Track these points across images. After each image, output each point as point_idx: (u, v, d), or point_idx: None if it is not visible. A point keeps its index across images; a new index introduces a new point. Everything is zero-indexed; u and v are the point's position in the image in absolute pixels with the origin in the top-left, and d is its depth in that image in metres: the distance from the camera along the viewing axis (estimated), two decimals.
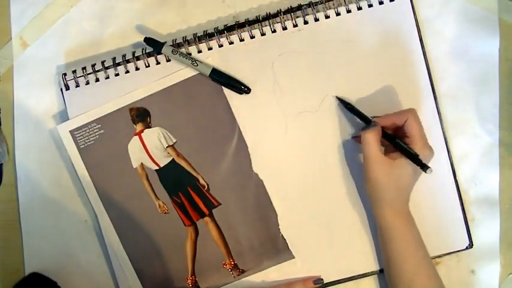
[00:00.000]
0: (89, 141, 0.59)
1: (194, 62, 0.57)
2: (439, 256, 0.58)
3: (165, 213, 0.59)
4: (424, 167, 0.51)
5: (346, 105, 0.57)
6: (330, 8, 0.58)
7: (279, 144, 0.59)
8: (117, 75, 0.59)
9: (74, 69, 0.59)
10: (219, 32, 0.58)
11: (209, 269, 0.59)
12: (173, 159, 0.59)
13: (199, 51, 0.59)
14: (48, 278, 0.60)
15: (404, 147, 0.53)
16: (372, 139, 0.52)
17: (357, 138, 0.58)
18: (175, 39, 0.59)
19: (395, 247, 0.54)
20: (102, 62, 0.59)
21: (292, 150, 0.59)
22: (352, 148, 0.58)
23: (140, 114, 0.59)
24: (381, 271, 0.58)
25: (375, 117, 0.55)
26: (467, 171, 0.59)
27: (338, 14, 0.58)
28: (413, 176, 0.53)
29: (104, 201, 0.59)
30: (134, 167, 0.59)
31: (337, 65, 0.58)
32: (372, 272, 0.58)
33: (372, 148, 0.52)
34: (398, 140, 0.53)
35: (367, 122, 0.55)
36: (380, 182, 0.53)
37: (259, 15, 0.58)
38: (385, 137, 0.54)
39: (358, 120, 0.56)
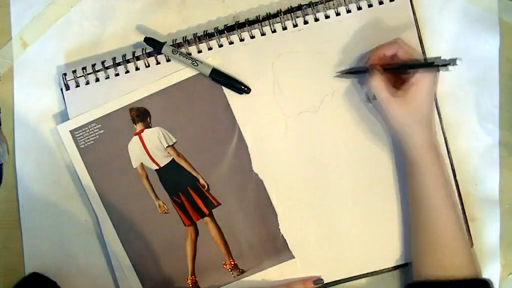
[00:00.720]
0: (89, 141, 0.59)
1: (194, 62, 0.57)
2: None
3: (165, 213, 0.59)
4: (451, 62, 0.51)
5: (349, 71, 0.57)
6: (330, 8, 0.58)
7: (279, 144, 0.59)
8: (117, 75, 0.59)
9: (74, 69, 0.59)
10: (219, 32, 0.58)
11: (209, 269, 0.59)
12: (173, 159, 0.59)
13: (199, 51, 0.59)
14: (48, 278, 0.60)
15: (417, 62, 0.53)
16: (378, 84, 0.53)
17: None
18: (175, 39, 0.59)
19: (420, 182, 0.53)
20: (102, 62, 0.59)
21: (292, 150, 0.58)
22: (352, 148, 0.58)
23: (140, 114, 0.59)
24: (381, 271, 0.58)
25: (368, 59, 0.56)
26: (467, 171, 0.59)
27: (338, 14, 0.58)
28: (430, 96, 0.54)
29: (104, 201, 0.59)
30: (134, 167, 0.59)
31: (337, 65, 0.58)
32: (372, 272, 0.58)
33: (381, 92, 0.53)
34: (408, 62, 0.54)
35: (367, 71, 0.56)
36: (401, 119, 0.53)
37: (259, 15, 0.58)
38: (393, 70, 0.54)
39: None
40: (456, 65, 0.51)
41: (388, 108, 0.53)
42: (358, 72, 0.57)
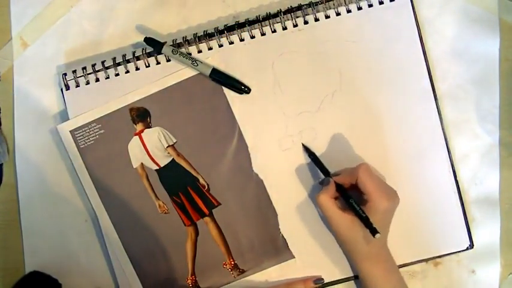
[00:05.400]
0: (89, 141, 0.59)
1: (194, 62, 0.57)
2: (440, 256, 0.58)
3: (165, 213, 0.59)
4: (373, 231, 0.50)
5: (309, 155, 0.57)
6: (330, 8, 0.58)
7: (279, 144, 0.59)
8: (117, 75, 0.59)
9: (74, 69, 0.59)
10: (219, 32, 0.58)
11: (209, 268, 0.59)
12: (173, 159, 0.59)
13: (199, 51, 0.59)
14: (50, 276, 0.60)
15: (355, 209, 0.52)
16: (324, 201, 0.53)
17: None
18: (176, 39, 0.59)
19: None
20: (102, 62, 0.59)
21: (292, 150, 0.58)
22: (352, 148, 0.58)
23: (140, 114, 0.59)
24: None
25: (334, 174, 0.56)
26: (467, 171, 0.59)
27: (338, 14, 0.58)
28: (385, 219, 0.53)
29: (104, 201, 0.59)
30: (134, 167, 0.59)
31: (337, 65, 0.58)
32: None
33: (328, 209, 0.53)
34: (351, 201, 0.52)
35: (326, 175, 0.56)
36: (347, 237, 0.53)
37: (259, 15, 0.58)
38: (341, 196, 0.54)
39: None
40: (374, 237, 0.50)
41: (334, 224, 0.53)
42: (319, 166, 0.56)
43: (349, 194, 0.53)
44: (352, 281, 0.59)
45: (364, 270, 0.54)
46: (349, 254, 0.55)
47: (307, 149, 0.57)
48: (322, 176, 0.57)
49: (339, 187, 0.54)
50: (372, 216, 0.51)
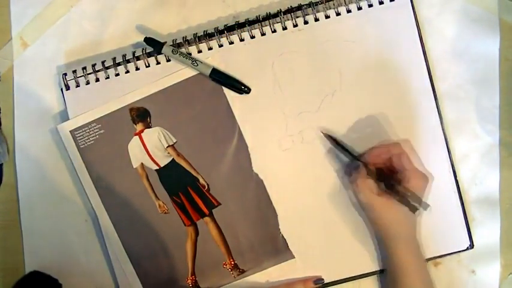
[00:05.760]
0: (89, 141, 0.59)
1: (194, 62, 0.57)
2: (440, 256, 0.58)
3: (165, 213, 0.59)
4: (424, 206, 0.50)
5: (334, 142, 0.56)
6: (330, 8, 0.58)
7: (279, 144, 0.58)
8: (117, 75, 0.59)
9: (74, 69, 0.59)
10: (219, 32, 0.58)
11: (209, 268, 0.59)
12: (173, 159, 0.59)
13: (199, 51, 0.59)
14: (50, 276, 0.60)
15: (403, 192, 0.52)
16: (363, 184, 0.53)
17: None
18: (176, 39, 0.59)
19: (407, 283, 0.52)
20: (103, 62, 0.59)
21: (292, 150, 0.58)
22: (353, 147, 0.58)
23: (140, 114, 0.59)
24: (381, 271, 0.58)
25: (360, 155, 0.56)
26: (467, 171, 0.59)
27: (338, 14, 0.58)
28: None
29: (104, 201, 0.59)
30: (134, 167, 0.59)
31: (337, 65, 0.58)
32: (372, 272, 0.58)
33: (362, 193, 0.53)
34: (392, 183, 0.52)
35: (355, 158, 0.56)
36: (385, 220, 0.53)
37: (259, 15, 0.58)
38: (377, 179, 0.54)
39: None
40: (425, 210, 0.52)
41: (370, 208, 0.53)
42: (344, 150, 0.56)
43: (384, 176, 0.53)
44: (352, 281, 0.59)
45: (402, 254, 0.53)
46: (388, 239, 0.53)
47: (329, 137, 0.57)
48: (322, 173, 0.57)
49: (370, 171, 0.54)
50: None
